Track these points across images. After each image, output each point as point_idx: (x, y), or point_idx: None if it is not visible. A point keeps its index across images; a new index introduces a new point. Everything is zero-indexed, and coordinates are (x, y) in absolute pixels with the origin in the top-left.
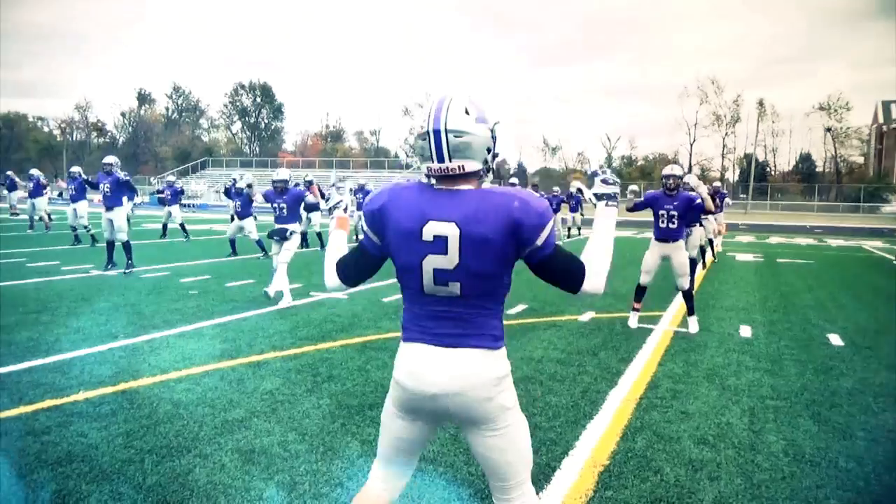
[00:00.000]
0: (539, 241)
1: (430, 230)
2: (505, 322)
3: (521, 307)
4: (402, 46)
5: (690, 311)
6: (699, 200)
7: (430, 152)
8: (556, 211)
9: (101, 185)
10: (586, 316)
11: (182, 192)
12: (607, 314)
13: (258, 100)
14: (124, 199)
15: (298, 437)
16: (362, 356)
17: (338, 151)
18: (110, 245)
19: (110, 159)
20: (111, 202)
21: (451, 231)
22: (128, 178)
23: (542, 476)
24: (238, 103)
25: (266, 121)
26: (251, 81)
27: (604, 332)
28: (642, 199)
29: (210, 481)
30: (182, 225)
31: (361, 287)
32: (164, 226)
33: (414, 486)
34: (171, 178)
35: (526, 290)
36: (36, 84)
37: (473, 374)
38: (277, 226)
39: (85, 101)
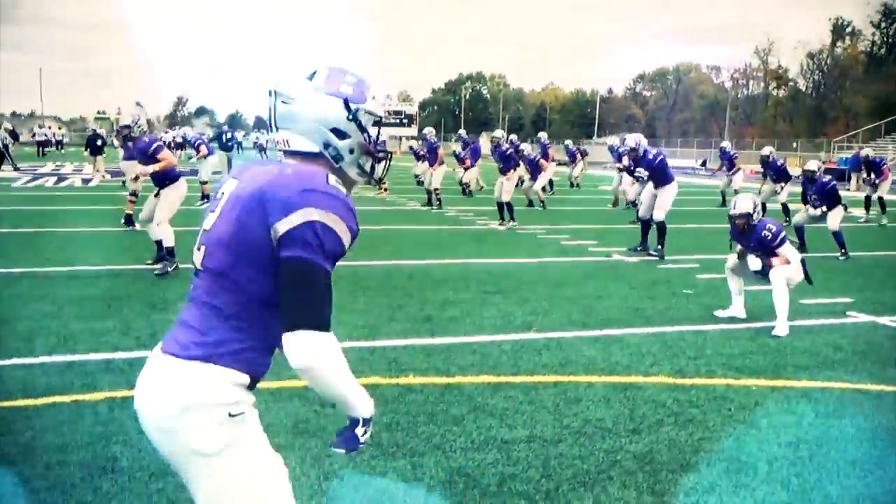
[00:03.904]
0: (277, 226)
1: (224, 187)
2: None
3: None
4: None
5: None
6: None
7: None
8: None
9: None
10: None
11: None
12: None
13: None
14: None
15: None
16: (760, 404)
17: None
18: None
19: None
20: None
21: (228, 188)
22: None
23: None
24: None
25: None
26: None
27: None
28: None
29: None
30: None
31: None
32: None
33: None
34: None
35: None
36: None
37: (150, 388)
38: None
39: (768, 40)
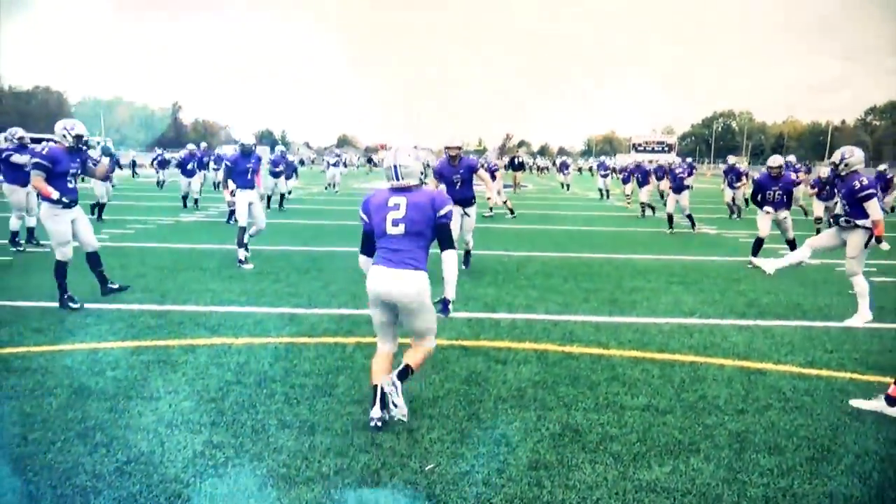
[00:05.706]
0: (440, 211)
1: (392, 201)
2: None
3: None
4: None
5: None
6: None
7: (392, 175)
8: None
9: None
10: None
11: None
12: None
13: None
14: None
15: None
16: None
17: None
18: None
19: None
20: None
21: (402, 201)
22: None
23: None
24: None
25: None
26: None
27: None
28: None
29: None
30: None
31: None
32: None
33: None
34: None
35: None
36: None
37: (402, 282)
38: None
39: None
